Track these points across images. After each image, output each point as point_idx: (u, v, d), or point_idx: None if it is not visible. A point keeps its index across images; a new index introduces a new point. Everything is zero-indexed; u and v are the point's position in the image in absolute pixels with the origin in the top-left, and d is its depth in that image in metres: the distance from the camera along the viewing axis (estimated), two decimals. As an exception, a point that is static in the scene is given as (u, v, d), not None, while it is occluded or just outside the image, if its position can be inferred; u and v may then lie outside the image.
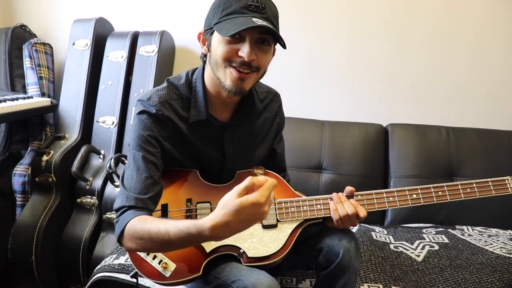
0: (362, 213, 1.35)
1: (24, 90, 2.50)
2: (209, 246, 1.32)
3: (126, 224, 1.20)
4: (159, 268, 1.31)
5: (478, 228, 2.20)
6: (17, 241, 2.19)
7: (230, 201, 1.02)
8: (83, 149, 2.31)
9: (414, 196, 1.40)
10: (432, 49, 2.63)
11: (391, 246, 1.91)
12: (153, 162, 1.32)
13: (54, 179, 2.25)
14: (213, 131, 1.43)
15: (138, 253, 1.33)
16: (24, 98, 2.29)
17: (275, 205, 1.38)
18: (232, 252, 1.34)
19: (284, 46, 1.28)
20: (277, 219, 1.37)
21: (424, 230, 2.13)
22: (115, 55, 2.47)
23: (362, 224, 2.19)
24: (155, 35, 2.47)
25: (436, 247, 1.90)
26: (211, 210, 1.35)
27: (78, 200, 2.31)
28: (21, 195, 2.34)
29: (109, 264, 1.62)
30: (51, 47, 2.60)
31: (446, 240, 1.99)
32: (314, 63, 2.67)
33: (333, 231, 1.40)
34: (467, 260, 1.79)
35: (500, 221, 2.27)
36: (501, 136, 2.41)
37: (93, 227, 2.26)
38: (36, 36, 2.63)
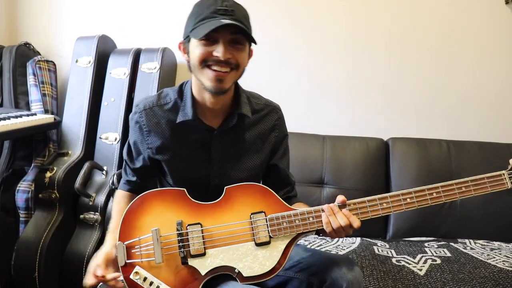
0: (356, 223, 1.32)
1: (27, 107, 2.52)
2: (203, 268, 1.32)
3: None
4: None
5: (481, 242, 2.20)
6: (20, 258, 2.20)
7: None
8: (86, 165, 2.33)
9: (408, 200, 1.37)
10: (433, 64, 2.65)
11: (393, 260, 1.91)
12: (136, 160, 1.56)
13: (57, 195, 2.26)
14: (200, 134, 1.47)
15: (136, 280, 1.32)
16: (27, 115, 2.31)
17: (267, 222, 1.36)
18: (228, 272, 1.34)
19: (254, 41, 1.36)
20: (269, 236, 1.35)
21: (426, 244, 2.13)
22: (117, 72, 2.49)
23: (364, 238, 2.19)
24: (157, 52, 2.49)
25: (439, 261, 1.90)
26: (203, 232, 1.35)
27: (81, 216, 2.31)
28: (25, 211, 2.35)
29: (112, 280, 1.62)
30: (54, 64, 2.63)
31: (449, 254, 1.99)
32: (315, 78, 2.69)
33: (336, 262, 1.39)
34: (469, 274, 1.79)
35: (503, 234, 2.27)
36: (501, 149, 2.41)
37: (96, 243, 2.25)
38: (39, 54, 2.66)
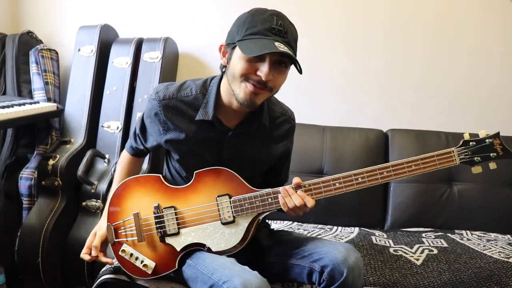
0: (310, 203, 1.41)
1: (30, 95, 2.53)
2: (178, 245, 1.49)
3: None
4: (141, 267, 1.51)
5: (477, 233, 2.23)
6: (23, 244, 2.23)
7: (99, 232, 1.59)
8: (88, 153, 2.35)
9: (360, 179, 1.42)
10: (432, 55, 2.66)
11: (391, 250, 1.95)
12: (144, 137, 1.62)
13: (60, 182, 2.28)
14: (215, 134, 1.49)
15: (124, 256, 1.53)
16: (30, 103, 2.32)
17: (231, 204, 1.46)
18: (199, 247, 1.49)
19: (300, 71, 1.36)
20: (233, 215, 1.46)
21: (423, 235, 2.16)
22: (119, 61, 2.51)
23: (362, 228, 2.23)
24: (159, 41, 2.51)
25: (435, 251, 1.93)
26: (176, 214, 1.50)
27: (84, 203, 2.34)
28: (28, 198, 2.37)
29: (114, 266, 1.65)
30: (56, 53, 2.63)
31: (445, 244, 2.02)
32: (315, 69, 2.70)
33: (337, 249, 1.42)
34: (465, 264, 1.82)
35: (499, 225, 2.30)
36: (500, 142, 2.43)
37: (98, 230, 2.28)
38: (42, 42, 2.67)
